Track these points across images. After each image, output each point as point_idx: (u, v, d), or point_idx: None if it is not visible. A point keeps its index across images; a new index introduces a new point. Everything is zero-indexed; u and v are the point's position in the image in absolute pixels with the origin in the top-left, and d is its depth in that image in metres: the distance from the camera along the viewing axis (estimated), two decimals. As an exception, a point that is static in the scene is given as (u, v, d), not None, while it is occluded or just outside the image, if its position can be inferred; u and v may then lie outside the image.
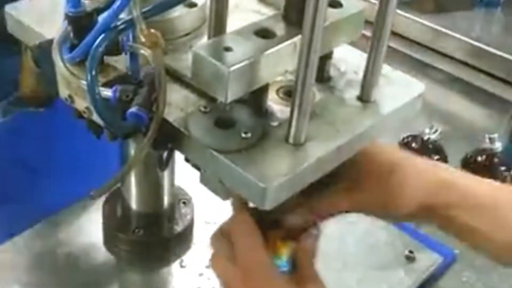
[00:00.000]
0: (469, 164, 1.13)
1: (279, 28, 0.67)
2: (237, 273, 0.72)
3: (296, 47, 0.64)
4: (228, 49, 0.64)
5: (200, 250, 0.99)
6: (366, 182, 0.77)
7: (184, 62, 0.73)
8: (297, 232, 0.75)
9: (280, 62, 0.66)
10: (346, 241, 1.06)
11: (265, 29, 0.67)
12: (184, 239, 0.97)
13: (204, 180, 0.73)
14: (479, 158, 1.12)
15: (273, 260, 0.73)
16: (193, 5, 0.77)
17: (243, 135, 0.66)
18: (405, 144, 1.14)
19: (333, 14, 0.70)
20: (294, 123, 0.65)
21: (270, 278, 0.72)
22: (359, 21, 0.73)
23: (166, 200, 0.96)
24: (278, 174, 0.63)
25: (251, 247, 0.72)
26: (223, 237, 0.74)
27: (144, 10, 0.64)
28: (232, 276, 0.73)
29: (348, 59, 0.78)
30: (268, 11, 0.83)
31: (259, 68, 0.65)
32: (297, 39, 0.65)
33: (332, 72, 0.76)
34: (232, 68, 0.62)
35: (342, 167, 0.70)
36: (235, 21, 0.71)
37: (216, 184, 0.71)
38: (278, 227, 0.74)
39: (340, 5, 0.71)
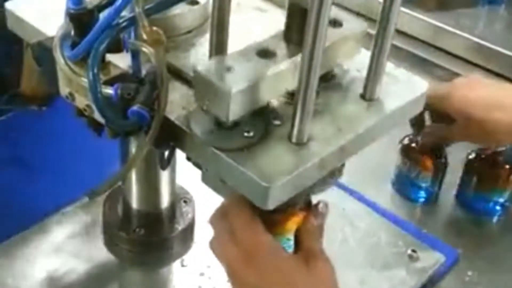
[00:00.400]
0: (472, 163, 1.12)
1: (280, 48, 0.67)
2: (238, 254, 0.71)
3: (296, 67, 0.64)
4: (229, 69, 0.63)
5: (201, 249, 0.98)
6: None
7: (186, 60, 0.73)
8: (300, 210, 0.74)
9: (281, 82, 0.66)
10: (348, 241, 1.06)
11: (266, 50, 0.67)
12: (185, 238, 0.96)
13: (205, 179, 0.73)
14: (483, 156, 1.11)
15: (277, 239, 0.72)
16: (195, 2, 0.77)
17: (245, 133, 0.65)
18: (405, 145, 1.14)
19: (333, 33, 0.69)
20: (296, 122, 0.65)
21: (275, 257, 0.71)
22: (359, 39, 0.73)
23: (167, 199, 0.95)
24: (281, 173, 0.63)
25: (250, 225, 0.71)
26: (222, 218, 0.73)
27: (146, 7, 0.64)
28: (234, 257, 0.71)
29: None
30: (269, 8, 0.83)
31: (260, 88, 0.64)
32: (298, 58, 0.64)
33: (335, 70, 0.76)
34: (234, 89, 0.62)
35: None
36: (237, 19, 0.71)
37: (218, 183, 0.70)
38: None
39: (340, 25, 0.71)
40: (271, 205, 0.64)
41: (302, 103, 0.63)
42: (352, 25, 0.72)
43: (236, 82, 0.62)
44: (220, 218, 0.73)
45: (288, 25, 0.69)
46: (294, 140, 0.66)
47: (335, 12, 0.71)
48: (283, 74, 0.66)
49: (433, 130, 1.08)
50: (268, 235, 0.70)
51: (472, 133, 1.02)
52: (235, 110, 0.63)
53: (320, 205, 0.76)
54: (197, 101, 0.66)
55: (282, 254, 0.71)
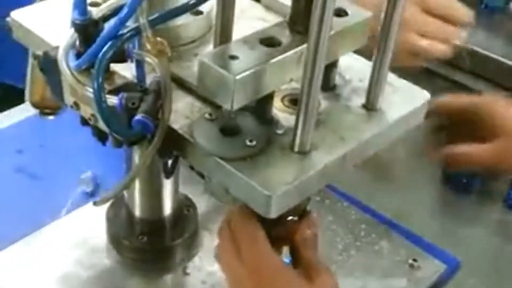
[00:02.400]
0: None
1: (285, 37, 0.68)
2: (244, 272, 0.71)
3: (301, 56, 0.64)
4: (233, 57, 0.64)
5: (203, 257, 0.99)
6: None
7: (189, 70, 0.73)
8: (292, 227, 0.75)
9: (285, 71, 0.66)
10: (349, 250, 1.06)
11: (270, 38, 0.67)
12: (188, 246, 0.97)
13: (208, 188, 0.73)
14: None
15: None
16: (199, 12, 0.77)
17: (248, 143, 0.66)
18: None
19: (338, 22, 0.70)
20: (299, 131, 0.65)
21: (280, 276, 0.71)
22: (365, 28, 0.73)
23: (170, 207, 0.96)
24: (283, 182, 0.64)
25: (255, 242, 0.71)
26: (228, 231, 0.73)
27: (150, 18, 0.64)
28: (239, 275, 0.72)
29: (354, 67, 0.78)
30: (273, 18, 0.83)
31: (264, 76, 0.65)
32: (302, 47, 0.65)
33: (338, 80, 0.76)
34: (238, 77, 0.62)
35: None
36: (240, 29, 0.71)
37: (221, 192, 0.71)
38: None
39: (345, 13, 0.71)
40: (274, 213, 0.64)
41: (305, 102, 0.63)
42: (357, 14, 0.72)
43: (240, 70, 0.63)
44: (225, 231, 0.74)
45: (293, 13, 0.69)
46: (296, 149, 0.66)
47: (339, 2, 0.70)
48: (287, 63, 0.66)
49: (457, 150, 0.93)
50: (272, 254, 0.71)
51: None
52: (239, 98, 0.64)
53: (313, 214, 0.76)
54: (202, 92, 0.67)
55: (287, 273, 0.71)
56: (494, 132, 0.91)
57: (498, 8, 1.61)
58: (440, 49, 1.01)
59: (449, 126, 0.96)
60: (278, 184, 0.63)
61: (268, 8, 0.84)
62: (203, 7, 0.77)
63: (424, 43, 0.99)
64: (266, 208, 0.64)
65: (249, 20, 0.82)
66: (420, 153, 1.25)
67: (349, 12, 0.71)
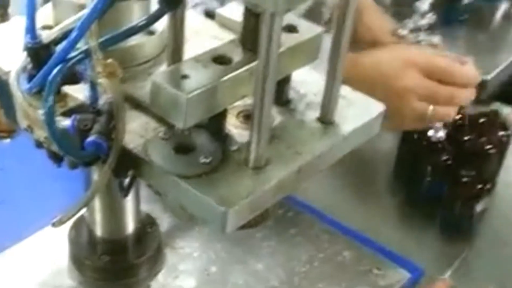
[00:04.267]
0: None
1: (236, 54, 0.68)
2: None
3: (252, 73, 0.65)
4: (185, 76, 0.65)
5: (167, 275, 0.99)
6: None
7: (143, 90, 0.73)
8: None
9: (237, 88, 0.67)
10: (312, 261, 1.07)
11: (222, 56, 0.68)
12: (151, 264, 0.96)
13: (166, 206, 0.73)
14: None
15: None
16: (152, 32, 0.78)
17: (203, 160, 0.66)
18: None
19: (289, 39, 0.70)
20: (253, 146, 0.66)
21: None
22: (317, 44, 0.74)
23: (131, 226, 0.96)
24: (238, 198, 0.64)
25: None
26: None
27: (101, 40, 0.64)
28: None
29: (308, 81, 0.79)
30: (227, 36, 0.84)
31: (216, 94, 0.65)
32: (253, 65, 0.65)
33: (292, 94, 0.77)
34: (189, 95, 0.63)
35: None
36: (194, 47, 0.72)
37: (178, 209, 0.71)
38: None
39: (296, 30, 0.72)
40: (230, 228, 0.65)
41: (258, 118, 0.64)
42: (308, 30, 0.73)
43: (191, 89, 0.63)
44: None
45: (244, 31, 0.70)
46: (251, 164, 0.67)
47: (291, 18, 0.72)
48: (239, 80, 0.67)
49: None
50: None
51: None
52: (191, 117, 0.64)
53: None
54: (154, 109, 0.67)
55: None
56: None
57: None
58: (446, 113, 1.04)
59: None
60: (233, 200, 0.64)
61: (222, 26, 0.85)
62: (156, 27, 0.78)
63: (430, 110, 1.01)
64: (222, 224, 0.64)
65: (203, 38, 0.83)
66: (385, 163, 1.28)
67: (299, 28, 0.72)
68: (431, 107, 1.03)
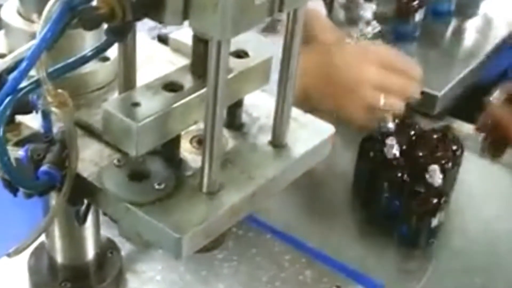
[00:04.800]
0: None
1: (187, 81, 0.69)
2: None
3: (203, 99, 0.66)
4: (136, 104, 0.65)
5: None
6: None
7: (97, 117, 0.74)
8: None
9: (188, 114, 0.68)
10: (274, 281, 1.07)
11: (173, 83, 0.69)
12: (112, 289, 0.97)
13: (122, 232, 0.74)
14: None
15: None
16: (106, 59, 0.78)
17: (157, 186, 0.67)
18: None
19: (239, 64, 0.72)
20: (206, 172, 0.67)
21: None
22: (268, 68, 0.75)
23: (92, 251, 0.96)
24: (192, 224, 0.65)
25: None
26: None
27: (52, 69, 0.65)
28: None
29: (261, 105, 0.80)
30: (181, 61, 0.84)
31: (167, 121, 0.66)
32: (204, 91, 0.66)
33: (245, 118, 0.78)
34: (140, 124, 0.64)
35: None
36: (148, 73, 0.73)
37: (134, 235, 0.71)
38: None
39: (246, 54, 0.73)
40: (185, 254, 0.66)
41: (210, 143, 0.65)
42: (258, 55, 0.74)
43: (142, 116, 0.64)
44: None
45: (194, 57, 0.71)
46: (204, 189, 0.68)
47: (242, 42, 0.73)
48: (190, 106, 0.68)
49: None
50: None
51: None
52: (143, 144, 0.65)
53: None
54: (106, 137, 0.68)
55: None
56: None
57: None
58: (397, 104, 1.09)
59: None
60: (187, 226, 0.64)
61: (176, 51, 0.86)
62: (110, 54, 0.78)
63: (381, 99, 1.06)
64: (177, 250, 0.65)
65: (157, 63, 0.83)
66: (343, 181, 1.30)
67: (250, 53, 0.73)
68: (382, 96, 1.07)
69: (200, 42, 0.68)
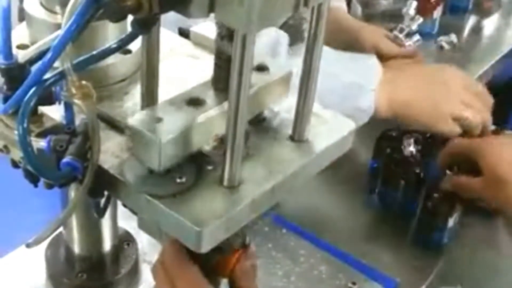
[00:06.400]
0: None
1: (209, 96, 0.70)
2: None
3: (225, 113, 0.66)
4: (159, 120, 0.66)
5: (145, 291, 1.00)
6: None
7: (119, 109, 0.74)
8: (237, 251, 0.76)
9: (211, 128, 0.68)
10: (289, 276, 1.07)
11: (195, 98, 0.69)
12: (129, 281, 0.97)
13: (141, 225, 0.74)
14: None
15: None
16: (128, 51, 0.78)
17: (178, 179, 0.67)
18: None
19: (260, 78, 0.72)
20: (227, 166, 0.67)
21: None
22: (287, 81, 0.75)
23: (109, 243, 0.96)
24: (213, 217, 0.65)
25: (188, 278, 0.73)
26: (162, 269, 0.75)
27: (76, 61, 0.65)
28: None
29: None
30: (203, 54, 0.85)
31: (190, 136, 0.67)
32: (225, 105, 0.66)
33: (265, 112, 0.78)
34: (164, 140, 0.64)
35: None
36: (170, 66, 0.72)
37: (154, 228, 0.72)
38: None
39: (266, 69, 0.73)
40: (204, 248, 0.66)
41: (231, 148, 0.65)
42: (278, 69, 0.74)
43: (166, 133, 0.64)
44: (160, 269, 0.75)
45: (216, 73, 0.71)
46: (225, 183, 0.68)
47: (261, 57, 0.73)
48: (212, 120, 0.68)
49: (456, 180, 1.16)
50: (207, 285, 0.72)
51: (497, 195, 1.11)
52: (166, 159, 0.65)
53: (252, 245, 0.78)
54: (133, 151, 0.68)
55: None
56: (482, 170, 1.12)
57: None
58: (479, 120, 1.18)
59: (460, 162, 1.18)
60: (207, 219, 0.64)
61: (197, 44, 0.86)
62: (132, 46, 0.79)
63: (468, 112, 1.17)
64: (197, 243, 0.65)
65: (179, 57, 0.84)
66: (359, 177, 1.29)
67: (270, 67, 0.73)
68: (469, 111, 1.17)
69: (223, 57, 0.68)
